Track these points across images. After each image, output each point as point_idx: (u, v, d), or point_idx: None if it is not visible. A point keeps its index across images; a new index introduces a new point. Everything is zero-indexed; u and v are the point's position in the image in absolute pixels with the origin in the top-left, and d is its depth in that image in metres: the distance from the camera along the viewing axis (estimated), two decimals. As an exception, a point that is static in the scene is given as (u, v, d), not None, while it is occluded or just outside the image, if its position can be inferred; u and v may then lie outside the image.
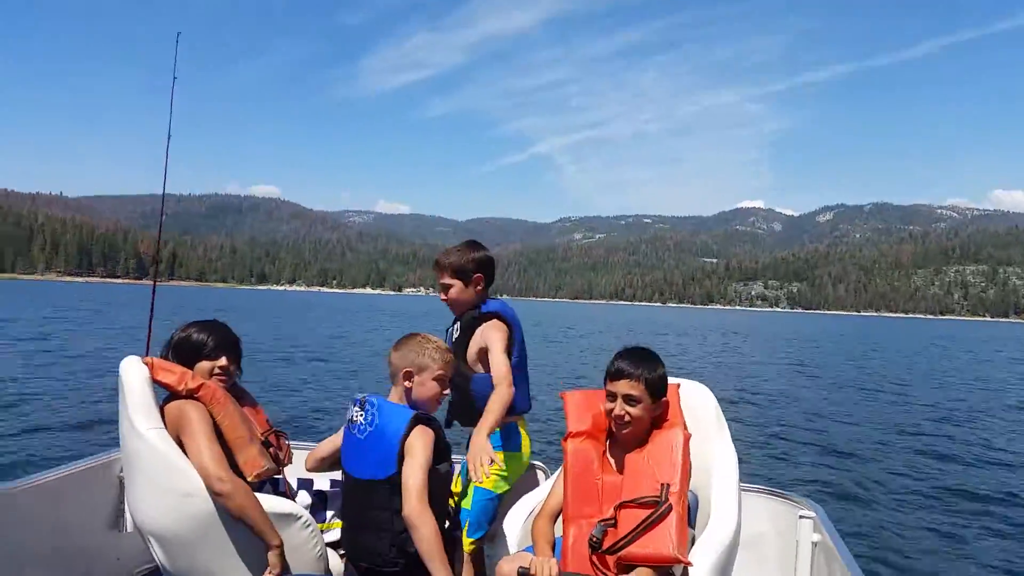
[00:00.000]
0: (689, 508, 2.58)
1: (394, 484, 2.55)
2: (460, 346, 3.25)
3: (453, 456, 2.76)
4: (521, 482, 3.32)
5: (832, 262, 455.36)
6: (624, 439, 2.65)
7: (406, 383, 2.73)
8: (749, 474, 2.85)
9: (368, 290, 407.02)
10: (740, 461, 2.82)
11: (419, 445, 2.55)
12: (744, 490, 2.81)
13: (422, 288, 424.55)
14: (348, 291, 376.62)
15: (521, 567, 2.36)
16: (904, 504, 9.94)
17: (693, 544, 2.53)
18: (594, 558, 2.47)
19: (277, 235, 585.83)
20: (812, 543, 3.20)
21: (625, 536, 2.42)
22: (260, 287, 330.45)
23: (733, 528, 2.56)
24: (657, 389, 2.62)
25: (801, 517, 3.25)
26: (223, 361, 2.91)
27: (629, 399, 2.57)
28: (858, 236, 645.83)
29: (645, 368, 2.59)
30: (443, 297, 3.33)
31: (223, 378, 2.90)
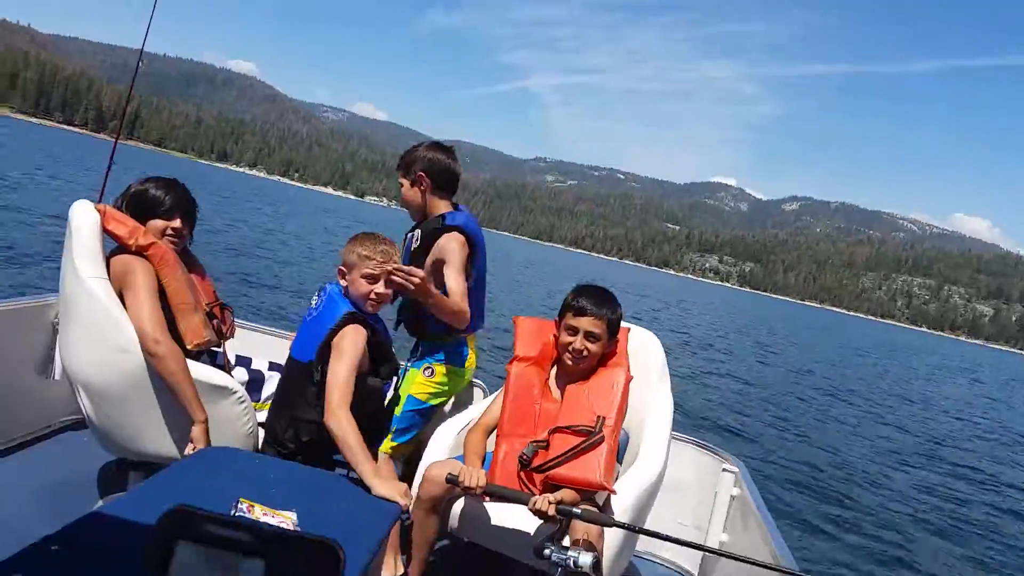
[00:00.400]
0: (620, 444, 2.65)
1: (308, 372, 2.54)
2: (418, 256, 3.06)
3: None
4: (458, 397, 3.31)
5: (789, 249, 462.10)
6: (569, 371, 2.74)
7: (340, 280, 2.70)
8: (681, 425, 2.99)
9: (329, 190, 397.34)
10: (676, 410, 2.89)
11: (347, 343, 2.51)
12: (674, 438, 2.87)
13: (385, 199, 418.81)
14: (308, 186, 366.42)
15: (450, 473, 2.41)
16: (823, 473, 10.64)
17: (618, 479, 2.60)
18: (522, 475, 2.55)
19: (246, 115, 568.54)
20: (731, 496, 3.31)
21: (556, 457, 2.50)
22: (218, 164, 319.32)
23: (658, 469, 2.63)
24: (615, 329, 2.73)
25: (724, 471, 3.35)
26: (177, 223, 2.80)
27: (590, 335, 2.66)
28: (819, 230, 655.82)
29: (608, 308, 2.69)
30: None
31: (175, 240, 2.80)
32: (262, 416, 2.89)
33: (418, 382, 3.08)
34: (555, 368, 2.82)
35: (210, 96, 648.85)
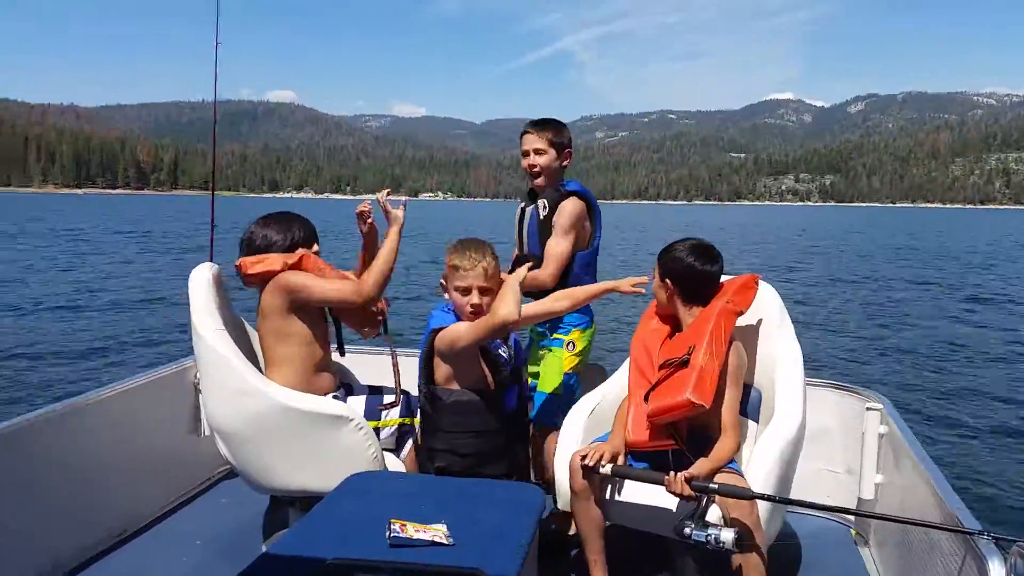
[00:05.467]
0: (752, 401, 2.75)
1: (425, 399, 2.63)
2: (547, 223, 3.21)
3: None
4: (584, 379, 3.36)
5: (866, 153, 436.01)
6: (678, 328, 2.80)
7: (442, 293, 2.72)
8: (814, 368, 2.71)
9: (380, 195, 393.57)
10: (805, 357, 2.83)
11: (448, 337, 2.57)
12: (809, 384, 2.85)
13: (439, 193, 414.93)
14: (358, 197, 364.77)
15: (582, 462, 2.48)
16: (974, 400, 9.76)
17: (757, 440, 2.64)
18: (649, 424, 2.58)
19: (292, 142, 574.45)
20: (879, 435, 3.19)
21: (650, 390, 2.57)
22: (268, 195, 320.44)
23: (798, 421, 2.60)
24: (666, 269, 2.77)
25: (868, 409, 3.23)
26: (316, 247, 2.94)
27: (537, 151, 3.03)
28: (891, 126, 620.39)
29: (669, 248, 2.80)
30: (529, 161, 3.25)
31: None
32: (384, 433, 2.96)
33: (566, 360, 3.20)
34: (673, 331, 2.85)
35: (254, 130, 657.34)
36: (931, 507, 2.38)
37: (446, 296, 2.71)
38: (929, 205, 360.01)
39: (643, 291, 2.89)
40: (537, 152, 3.23)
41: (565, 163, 3.29)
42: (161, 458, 3.40)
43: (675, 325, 2.84)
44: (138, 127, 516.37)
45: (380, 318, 3.03)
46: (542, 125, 3.28)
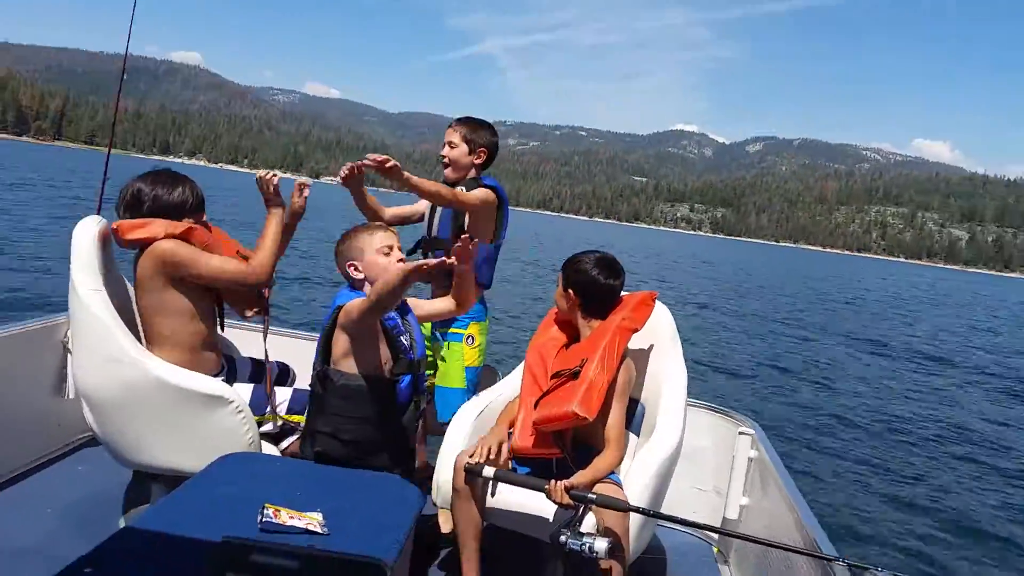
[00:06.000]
0: (636, 416, 2.81)
1: (318, 379, 2.55)
2: (459, 213, 3.29)
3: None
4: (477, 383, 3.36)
5: (758, 191, 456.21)
6: (574, 340, 2.85)
7: (355, 275, 2.65)
8: (693, 390, 2.96)
9: (278, 173, 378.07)
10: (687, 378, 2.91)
11: (353, 303, 2.49)
12: (688, 405, 2.91)
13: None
14: (255, 171, 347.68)
15: (467, 463, 2.47)
16: (841, 431, 10.32)
17: (636, 454, 2.71)
18: (535, 432, 2.62)
19: (192, 106, 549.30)
20: (749, 459, 3.29)
21: (537, 400, 2.62)
22: (158, 157, 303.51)
23: (676, 440, 2.65)
24: (567, 277, 2.82)
25: (740, 433, 3.33)
26: (204, 216, 2.81)
27: (451, 144, 3.10)
28: (784, 168, 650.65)
29: (573, 258, 2.85)
30: (443, 153, 3.36)
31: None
32: (264, 428, 2.87)
33: (467, 353, 3.25)
34: (569, 342, 2.89)
35: (153, 89, 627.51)
36: (792, 531, 2.42)
37: (356, 275, 2.64)
38: (810, 247, 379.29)
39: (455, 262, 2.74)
40: (450, 144, 3.33)
41: (478, 160, 3.34)
42: (18, 417, 3.19)
43: (572, 335, 2.87)
44: (26, 70, 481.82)
45: (263, 299, 2.93)
46: (462, 121, 3.38)
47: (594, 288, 2.76)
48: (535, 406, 2.61)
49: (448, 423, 2.99)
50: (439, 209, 3.38)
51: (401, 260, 2.62)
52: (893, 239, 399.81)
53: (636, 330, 2.75)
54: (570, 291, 2.79)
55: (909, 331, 25.89)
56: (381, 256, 2.60)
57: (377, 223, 2.77)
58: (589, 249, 2.87)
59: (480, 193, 3.21)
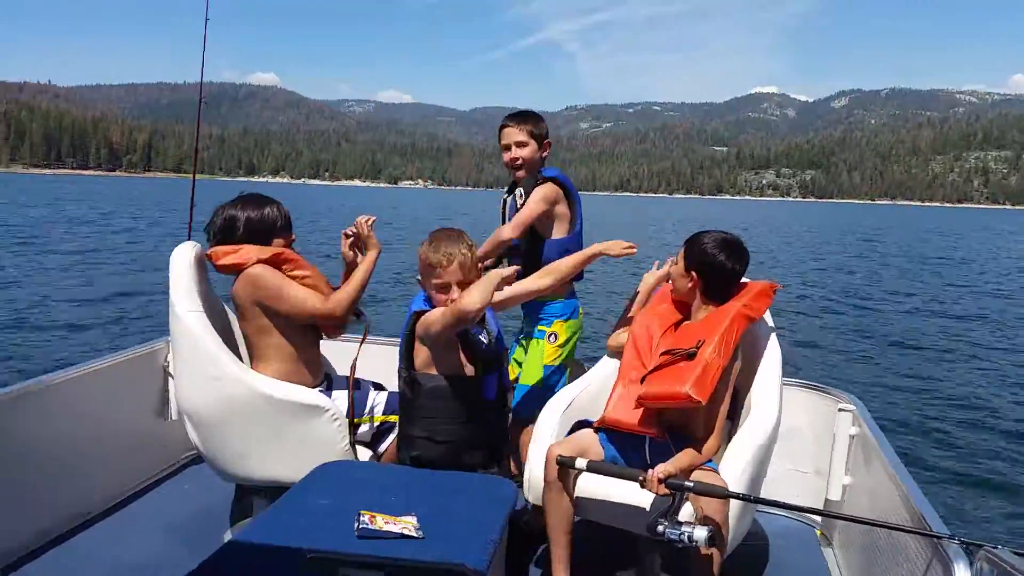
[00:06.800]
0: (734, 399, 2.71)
1: (405, 384, 2.57)
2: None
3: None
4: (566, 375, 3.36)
5: (848, 148, 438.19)
6: (687, 318, 2.79)
7: (424, 288, 2.65)
8: (788, 367, 2.89)
9: (357, 182, 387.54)
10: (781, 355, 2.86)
11: (431, 317, 2.49)
12: (784, 383, 2.85)
13: (420, 180, 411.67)
14: (336, 183, 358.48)
15: (560, 455, 2.44)
16: (947, 405, 9.71)
17: (732, 438, 2.63)
18: (637, 406, 2.57)
19: (272, 125, 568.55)
20: (850, 436, 3.19)
21: (647, 374, 2.57)
22: (244, 179, 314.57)
23: (773, 421, 2.60)
24: (691, 259, 2.72)
25: (840, 410, 3.24)
26: (293, 236, 2.89)
27: (676, 263, 2.81)
28: (873, 122, 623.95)
29: (698, 238, 2.74)
30: (511, 155, 3.28)
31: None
32: (360, 430, 2.93)
33: (547, 352, 3.22)
34: (682, 320, 2.83)
35: (234, 112, 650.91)
36: (898, 510, 2.37)
37: (430, 291, 2.63)
38: (908, 203, 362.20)
39: (634, 252, 2.97)
40: (519, 145, 3.26)
41: (545, 154, 3.32)
42: (125, 442, 3.33)
43: (683, 313, 2.82)
44: (119, 108, 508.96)
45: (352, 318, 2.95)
46: (521, 118, 3.30)
47: (719, 271, 2.67)
48: (641, 381, 2.57)
49: (521, 417, 3.04)
50: (507, 213, 3.36)
51: (483, 267, 2.56)
52: (997, 185, 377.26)
53: (754, 320, 2.70)
54: (692, 272, 2.70)
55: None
56: (438, 295, 2.56)
57: (449, 243, 2.59)
58: (713, 229, 2.77)
59: (536, 196, 3.18)
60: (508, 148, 3.29)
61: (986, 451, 7.96)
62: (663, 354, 2.59)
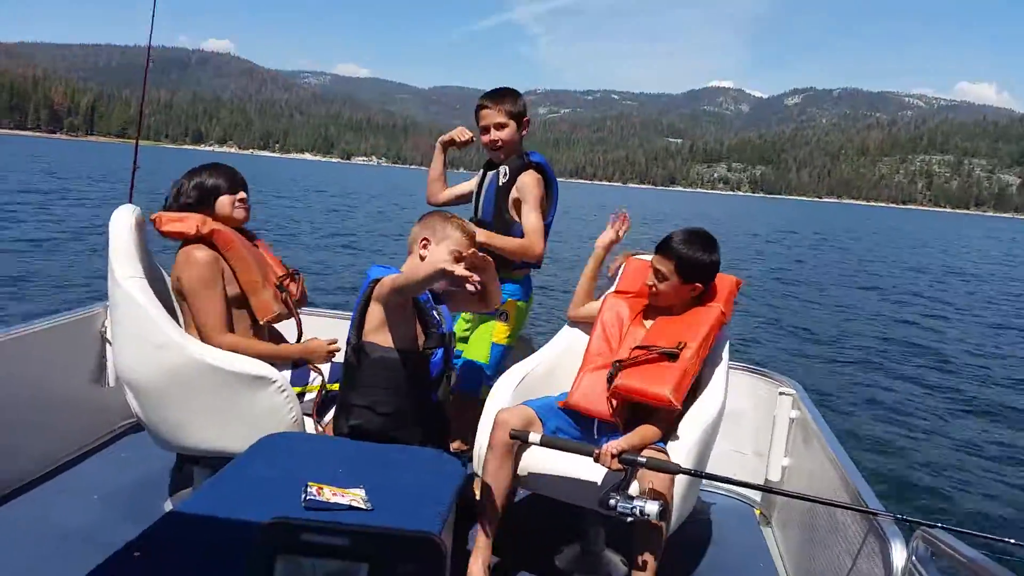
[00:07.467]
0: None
1: (352, 353, 2.53)
2: (505, 191, 3.17)
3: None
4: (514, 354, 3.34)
5: (798, 145, 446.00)
6: (661, 310, 2.77)
7: (420, 251, 2.64)
8: (733, 354, 2.93)
9: (308, 156, 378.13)
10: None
11: (388, 277, 2.47)
12: (729, 367, 2.89)
13: (374, 157, 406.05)
14: (286, 156, 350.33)
15: (513, 429, 2.45)
16: (885, 389, 10.11)
17: (681, 418, 2.64)
18: (606, 396, 2.58)
19: (224, 93, 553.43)
20: (790, 419, 3.25)
21: (627, 367, 2.55)
22: (190, 147, 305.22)
23: (719, 404, 2.65)
24: (690, 271, 2.67)
25: (781, 394, 3.30)
26: (242, 194, 2.86)
27: (658, 273, 2.70)
28: (825, 121, 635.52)
29: (686, 248, 2.67)
30: (491, 137, 3.18)
31: (246, 208, 2.87)
32: (308, 397, 2.92)
33: (498, 330, 3.19)
34: (650, 305, 2.82)
35: (185, 78, 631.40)
36: (837, 489, 2.41)
37: (424, 253, 2.62)
38: (854, 202, 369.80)
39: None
40: (498, 127, 3.16)
41: (524, 132, 3.23)
42: (60, 407, 3.25)
43: (655, 308, 2.80)
44: (62, 67, 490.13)
45: (287, 302, 2.93)
46: (498, 98, 3.18)
47: (704, 268, 2.68)
48: (614, 370, 2.57)
49: (463, 392, 3.03)
50: (484, 189, 3.27)
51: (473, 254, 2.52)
52: (939, 189, 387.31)
53: (726, 323, 2.73)
54: (680, 277, 2.67)
55: (966, 288, 24.89)
56: (452, 257, 2.55)
57: (470, 226, 2.69)
58: (688, 228, 2.76)
59: (531, 187, 3.12)
60: (487, 130, 3.18)
61: (925, 432, 8.28)
62: (641, 348, 2.58)
